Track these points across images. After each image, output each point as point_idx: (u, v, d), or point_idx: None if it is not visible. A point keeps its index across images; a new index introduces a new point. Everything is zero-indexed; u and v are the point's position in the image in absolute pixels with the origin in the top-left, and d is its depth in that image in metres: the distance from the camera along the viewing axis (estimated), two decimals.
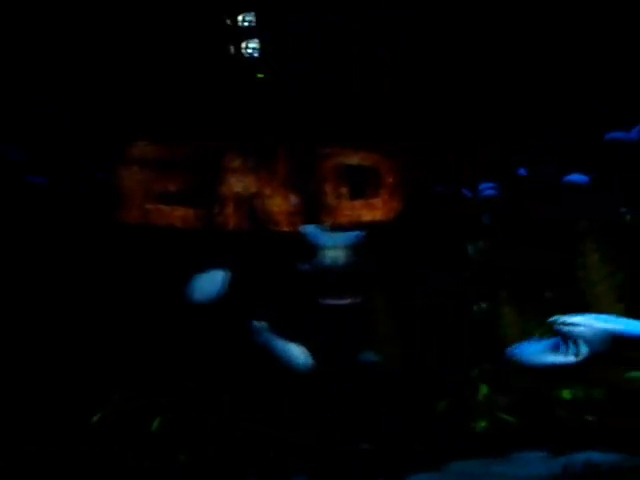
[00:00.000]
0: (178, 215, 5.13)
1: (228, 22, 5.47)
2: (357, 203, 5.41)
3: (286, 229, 5.23)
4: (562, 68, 5.65)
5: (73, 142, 4.97)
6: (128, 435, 4.11)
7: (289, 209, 5.24)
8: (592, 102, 5.52)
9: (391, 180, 5.36)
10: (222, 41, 5.55)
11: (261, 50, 5.47)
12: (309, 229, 5.02)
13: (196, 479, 4.02)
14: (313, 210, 5.33)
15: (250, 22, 5.45)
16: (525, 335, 4.71)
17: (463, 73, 5.47)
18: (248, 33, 5.51)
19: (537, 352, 3.71)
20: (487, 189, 5.42)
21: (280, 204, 5.28)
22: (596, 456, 3.35)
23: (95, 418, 4.14)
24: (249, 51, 5.43)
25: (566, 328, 3.61)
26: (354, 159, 5.43)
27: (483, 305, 4.93)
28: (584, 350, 3.50)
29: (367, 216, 5.38)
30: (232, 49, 5.49)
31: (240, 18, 5.48)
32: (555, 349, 3.63)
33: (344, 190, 5.37)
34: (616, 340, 3.60)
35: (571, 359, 3.55)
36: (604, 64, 5.59)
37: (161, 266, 4.82)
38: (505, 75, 5.53)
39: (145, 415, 4.19)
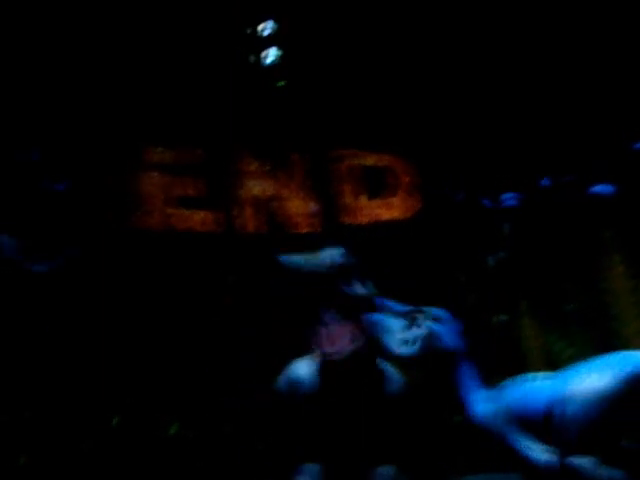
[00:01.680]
0: (198, 219, 5.15)
1: (248, 31, 5.52)
2: (375, 202, 5.38)
3: (305, 231, 5.21)
4: (588, 79, 5.57)
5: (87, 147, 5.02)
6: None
7: (308, 211, 5.22)
8: (619, 112, 5.42)
9: (408, 179, 5.33)
10: (242, 50, 5.59)
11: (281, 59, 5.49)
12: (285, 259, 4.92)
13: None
14: (332, 211, 5.32)
15: (270, 31, 5.49)
16: (545, 348, 4.62)
17: (482, 74, 5.42)
18: (268, 42, 5.54)
19: None
20: (509, 199, 5.34)
21: (298, 206, 5.27)
22: None
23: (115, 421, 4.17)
24: (269, 60, 5.47)
25: None
26: (370, 160, 5.42)
27: (503, 317, 4.86)
28: None
29: (385, 215, 5.35)
30: (252, 58, 5.52)
31: (260, 27, 5.52)
32: None
33: (362, 190, 5.35)
34: None
35: None
36: (633, 74, 5.50)
37: (182, 270, 4.84)
38: (527, 80, 5.47)
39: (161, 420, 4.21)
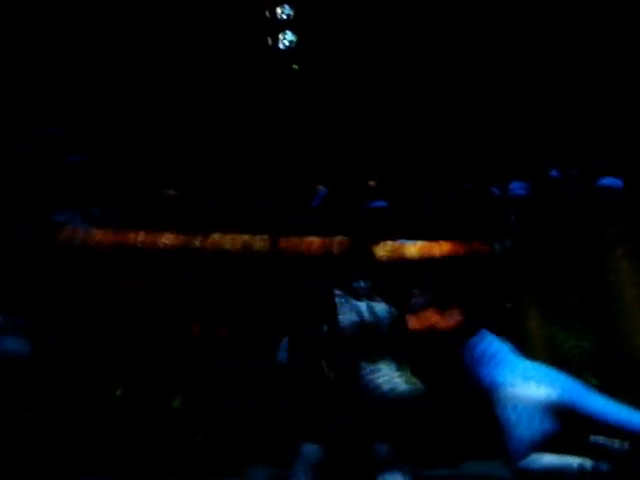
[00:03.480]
0: None
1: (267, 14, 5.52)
2: None
3: None
4: (599, 73, 5.56)
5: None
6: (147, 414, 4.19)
7: None
8: (629, 106, 5.42)
9: None
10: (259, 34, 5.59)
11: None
12: None
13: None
14: None
15: (288, 15, 5.50)
16: (548, 338, 4.64)
17: (493, 64, 5.42)
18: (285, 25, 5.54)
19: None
20: (517, 189, 5.35)
21: None
22: None
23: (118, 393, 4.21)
24: (286, 43, 5.48)
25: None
26: None
27: (507, 305, 4.86)
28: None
29: None
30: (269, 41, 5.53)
31: (279, 10, 5.53)
32: None
33: None
34: None
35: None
36: None
37: None
38: (538, 72, 5.46)
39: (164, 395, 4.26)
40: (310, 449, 3.68)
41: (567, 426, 3.34)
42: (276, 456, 4.01)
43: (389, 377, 3.57)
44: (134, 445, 4.08)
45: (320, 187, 5.26)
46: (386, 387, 3.54)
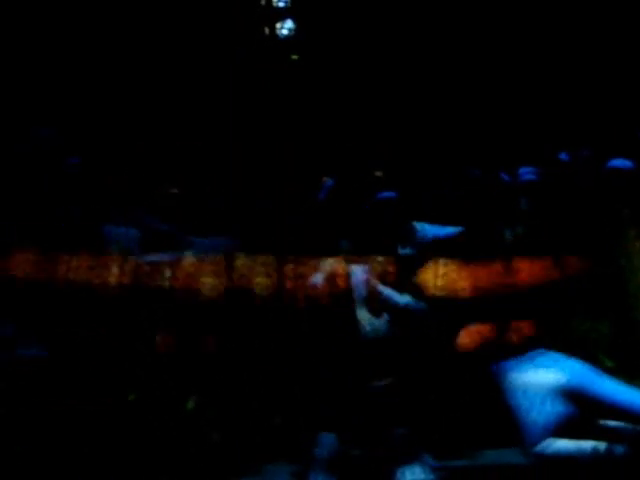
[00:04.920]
0: None
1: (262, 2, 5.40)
2: None
3: None
4: (607, 57, 5.50)
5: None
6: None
7: None
8: (638, 86, 5.35)
9: None
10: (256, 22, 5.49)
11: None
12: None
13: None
14: None
15: (285, 2, 5.39)
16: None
17: (502, 50, 5.35)
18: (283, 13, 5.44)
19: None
20: (527, 174, 5.29)
21: None
22: None
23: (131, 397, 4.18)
24: (284, 32, 5.37)
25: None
26: None
27: None
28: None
29: None
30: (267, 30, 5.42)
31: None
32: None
33: None
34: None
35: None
36: None
37: None
38: (546, 57, 5.40)
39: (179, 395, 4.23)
40: (328, 441, 3.67)
41: (579, 410, 3.34)
42: (294, 452, 4.00)
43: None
44: (150, 447, 4.06)
45: (326, 179, 5.21)
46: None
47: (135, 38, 5.08)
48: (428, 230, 4.64)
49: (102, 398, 4.09)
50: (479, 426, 4.23)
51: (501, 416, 3.86)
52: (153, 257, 4.46)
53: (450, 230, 4.62)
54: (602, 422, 3.38)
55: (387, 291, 4.20)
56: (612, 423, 3.37)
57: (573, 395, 3.34)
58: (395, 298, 4.17)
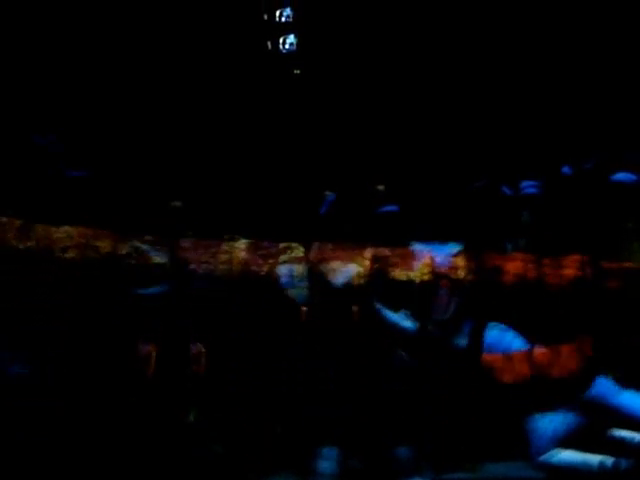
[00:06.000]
0: None
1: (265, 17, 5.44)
2: None
3: None
4: (610, 68, 5.50)
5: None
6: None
7: None
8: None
9: None
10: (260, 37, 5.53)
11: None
12: None
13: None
14: None
15: (288, 17, 5.41)
16: None
17: (503, 60, 5.35)
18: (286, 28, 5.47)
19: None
20: (529, 187, 5.28)
21: None
22: None
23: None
24: (287, 46, 5.40)
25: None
26: None
27: None
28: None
29: None
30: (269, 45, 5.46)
31: (278, 13, 5.45)
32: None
33: None
34: None
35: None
36: None
37: None
38: (548, 68, 5.41)
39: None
40: (330, 455, 3.66)
41: (590, 419, 3.32)
42: (296, 465, 3.99)
43: None
44: (153, 459, 4.05)
45: (328, 193, 5.21)
46: None
47: (138, 50, 5.12)
48: (427, 251, 4.64)
49: (105, 410, 4.10)
50: (480, 438, 4.21)
51: (503, 427, 3.85)
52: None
53: (449, 248, 4.63)
54: (614, 433, 3.35)
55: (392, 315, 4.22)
56: (621, 433, 3.35)
57: (586, 405, 3.32)
58: (400, 322, 4.18)
